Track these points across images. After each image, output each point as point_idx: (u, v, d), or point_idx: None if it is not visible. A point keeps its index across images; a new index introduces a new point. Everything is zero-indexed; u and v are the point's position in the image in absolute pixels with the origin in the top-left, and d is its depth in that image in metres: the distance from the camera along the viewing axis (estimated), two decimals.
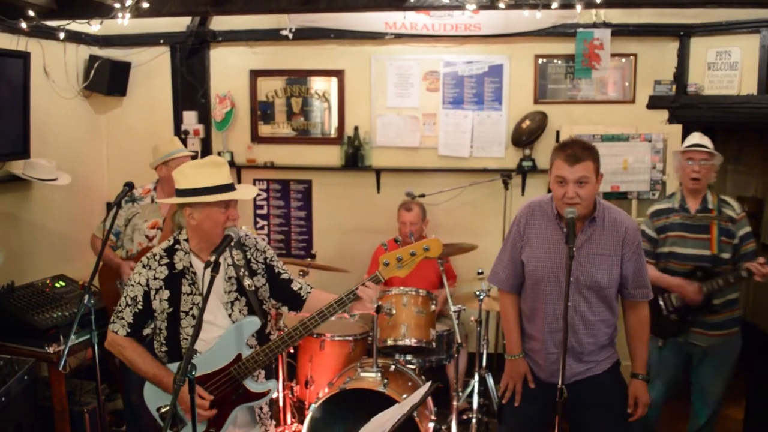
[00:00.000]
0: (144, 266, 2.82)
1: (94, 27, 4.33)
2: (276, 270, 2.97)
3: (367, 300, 2.73)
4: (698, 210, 3.88)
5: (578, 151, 2.98)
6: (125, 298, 2.81)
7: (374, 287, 2.75)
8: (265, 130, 5.78)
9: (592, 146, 3.05)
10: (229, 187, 2.72)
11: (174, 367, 2.77)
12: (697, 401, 4.05)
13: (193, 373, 2.36)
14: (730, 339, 3.89)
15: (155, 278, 2.79)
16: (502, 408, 3.40)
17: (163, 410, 2.78)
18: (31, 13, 4.08)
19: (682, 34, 5.14)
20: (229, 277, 2.83)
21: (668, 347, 3.99)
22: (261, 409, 2.95)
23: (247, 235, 2.96)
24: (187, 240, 2.82)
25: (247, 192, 2.86)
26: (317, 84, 5.67)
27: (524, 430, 3.36)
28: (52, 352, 4.03)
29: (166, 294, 2.78)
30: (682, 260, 3.87)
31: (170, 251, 2.83)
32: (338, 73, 5.60)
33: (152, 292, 2.79)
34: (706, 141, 3.94)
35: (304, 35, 5.49)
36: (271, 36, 5.53)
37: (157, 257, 2.82)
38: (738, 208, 3.90)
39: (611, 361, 3.22)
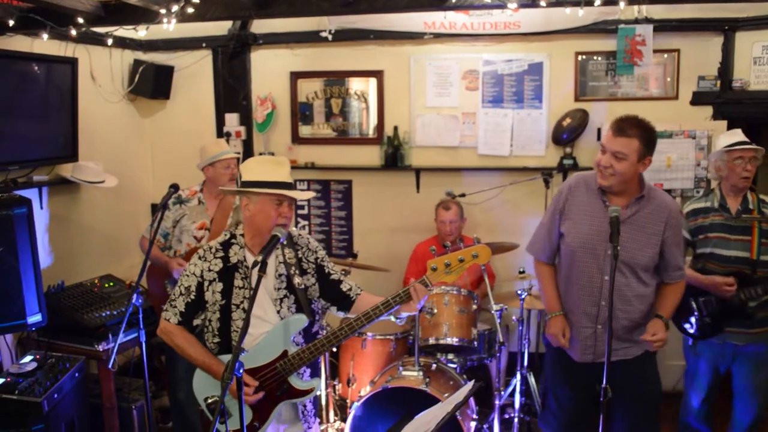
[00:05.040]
0: (200, 258, 2.92)
1: (141, 33, 4.41)
2: (326, 270, 3.02)
3: (416, 300, 2.76)
4: (739, 210, 3.76)
5: (626, 125, 3.06)
6: (179, 287, 2.91)
7: (422, 290, 2.77)
8: (305, 131, 5.83)
9: (648, 126, 3.09)
10: (286, 185, 2.81)
11: (224, 359, 2.83)
12: (740, 403, 3.90)
13: (241, 370, 2.41)
14: None
15: (210, 270, 2.88)
16: (546, 394, 3.47)
17: (210, 401, 2.84)
18: (80, 20, 4.18)
19: (727, 28, 5.03)
20: (280, 275, 2.89)
21: (703, 346, 3.88)
22: (305, 406, 3.00)
23: (299, 235, 3.03)
24: (242, 235, 2.91)
25: (301, 193, 2.93)
26: (356, 84, 5.70)
27: (566, 416, 3.41)
28: (101, 350, 4.14)
29: (219, 286, 2.86)
30: (723, 262, 3.74)
31: (226, 245, 2.92)
32: (378, 74, 5.62)
33: (206, 284, 2.88)
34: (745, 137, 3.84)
35: (344, 36, 5.52)
36: (311, 38, 5.57)
37: (213, 250, 2.92)
38: None
39: (646, 345, 3.24)
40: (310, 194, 3.23)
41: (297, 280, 2.91)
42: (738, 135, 3.85)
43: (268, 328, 2.84)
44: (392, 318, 2.85)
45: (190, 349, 2.88)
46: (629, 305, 3.15)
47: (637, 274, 3.14)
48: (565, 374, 3.35)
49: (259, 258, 2.55)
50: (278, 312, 2.87)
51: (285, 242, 2.86)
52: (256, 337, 2.82)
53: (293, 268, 2.92)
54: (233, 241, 2.93)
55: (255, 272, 2.52)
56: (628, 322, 3.17)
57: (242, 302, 2.85)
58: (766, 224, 3.70)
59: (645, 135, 3.05)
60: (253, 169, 2.84)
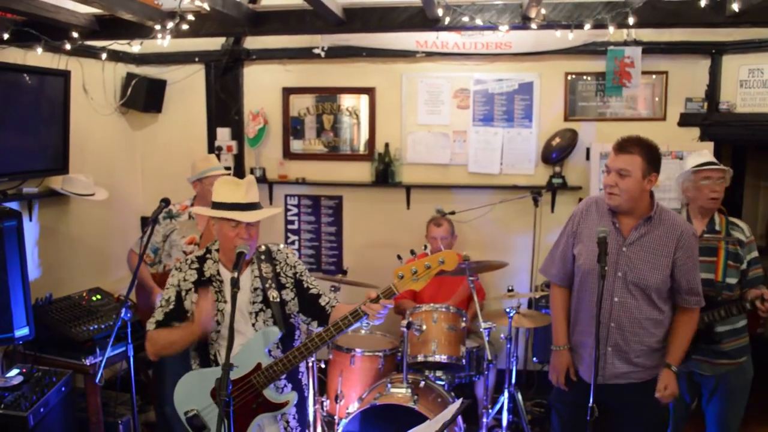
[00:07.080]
0: (177, 269, 3.01)
1: (135, 48, 4.43)
2: (305, 285, 3.04)
3: (372, 316, 2.74)
4: (705, 231, 3.63)
5: (628, 143, 3.08)
6: (161, 300, 2.99)
7: (380, 305, 2.73)
8: (296, 146, 5.85)
9: (649, 144, 3.11)
10: (242, 207, 2.82)
11: (205, 371, 2.89)
12: None
13: (229, 388, 2.42)
14: (739, 368, 3.62)
15: (185, 280, 2.96)
16: (550, 411, 3.49)
17: (190, 414, 2.86)
18: (74, 34, 4.19)
19: (714, 51, 5.11)
20: (255, 288, 2.94)
21: None
22: (287, 422, 3.00)
23: (279, 250, 3.06)
24: (218, 250, 2.99)
25: (251, 215, 2.84)
26: (347, 101, 5.74)
27: None
28: (88, 364, 4.12)
29: (195, 297, 2.91)
30: None
31: (201, 259, 3.00)
32: (369, 91, 5.66)
33: (183, 293, 2.95)
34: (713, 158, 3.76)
35: (336, 53, 5.56)
36: (304, 54, 5.61)
37: (189, 262, 3.00)
38: (747, 231, 3.67)
39: (657, 371, 3.17)
40: (268, 213, 2.98)
41: (272, 294, 2.95)
42: (705, 156, 3.78)
43: (243, 341, 2.88)
44: (362, 328, 2.84)
45: (171, 336, 2.89)
46: (640, 328, 3.10)
47: (649, 297, 3.09)
48: (571, 393, 3.32)
49: (234, 274, 2.62)
50: (253, 325, 2.92)
51: (263, 257, 2.94)
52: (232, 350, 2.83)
53: (269, 281, 2.96)
54: (208, 256, 3.01)
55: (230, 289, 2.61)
56: (641, 345, 3.11)
57: (217, 315, 2.90)
58: (733, 246, 3.58)
59: (647, 152, 3.06)
60: (217, 191, 2.90)
